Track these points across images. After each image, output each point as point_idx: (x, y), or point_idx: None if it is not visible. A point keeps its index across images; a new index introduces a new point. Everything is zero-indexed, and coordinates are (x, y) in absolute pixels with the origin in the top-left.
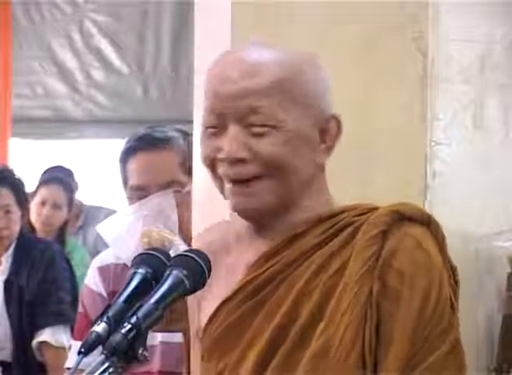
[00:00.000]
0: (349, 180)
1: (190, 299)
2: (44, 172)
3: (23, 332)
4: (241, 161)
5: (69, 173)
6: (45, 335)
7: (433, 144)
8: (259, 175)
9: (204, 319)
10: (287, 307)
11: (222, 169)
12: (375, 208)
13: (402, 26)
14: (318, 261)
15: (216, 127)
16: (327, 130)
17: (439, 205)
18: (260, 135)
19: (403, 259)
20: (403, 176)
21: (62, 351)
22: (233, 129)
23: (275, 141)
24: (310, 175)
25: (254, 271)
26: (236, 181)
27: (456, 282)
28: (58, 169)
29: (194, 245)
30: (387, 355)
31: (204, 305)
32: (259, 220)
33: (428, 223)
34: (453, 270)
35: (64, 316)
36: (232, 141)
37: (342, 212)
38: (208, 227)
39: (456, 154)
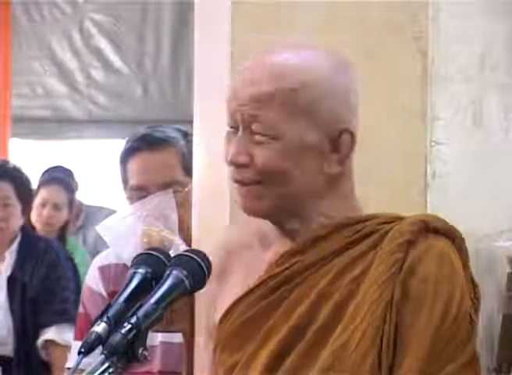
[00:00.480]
0: None
1: (207, 296)
2: (44, 172)
3: (25, 328)
4: (243, 166)
5: (68, 173)
6: (51, 333)
7: (433, 144)
8: (258, 181)
9: (219, 313)
10: (305, 307)
11: (230, 170)
12: (400, 218)
13: (402, 26)
14: (340, 264)
15: (233, 129)
16: (339, 142)
17: (439, 206)
18: (260, 143)
19: (427, 268)
20: (403, 176)
21: (68, 349)
22: (240, 134)
23: (271, 150)
24: (319, 183)
25: (273, 269)
26: (240, 183)
27: (478, 299)
28: (58, 169)
29: (217, 241)
30: (403, 362)
31: (219, 303)
32: (273, 221)
33: (453, 237)
34: (474, 287)
35: (68, 314)
36: (236, 146)
37: (366, 219)
38: (229, 226)
39: (456, 154)
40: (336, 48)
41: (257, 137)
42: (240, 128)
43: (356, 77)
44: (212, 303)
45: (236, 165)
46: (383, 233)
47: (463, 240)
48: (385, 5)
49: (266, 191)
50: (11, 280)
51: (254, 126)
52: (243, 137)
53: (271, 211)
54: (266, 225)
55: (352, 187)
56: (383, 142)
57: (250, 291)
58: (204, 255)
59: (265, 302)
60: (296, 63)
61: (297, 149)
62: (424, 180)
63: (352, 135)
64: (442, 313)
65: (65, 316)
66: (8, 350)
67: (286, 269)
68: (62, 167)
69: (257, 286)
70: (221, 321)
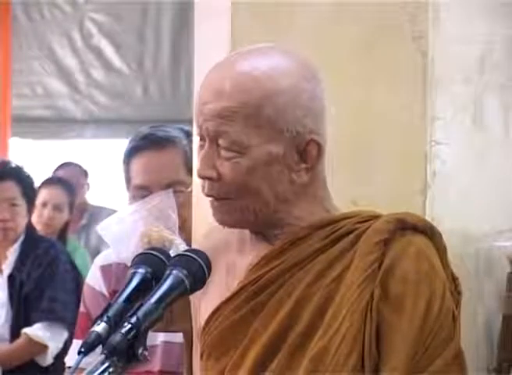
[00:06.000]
0: (349, 180)
1: (193, 299)
2: (57, 168)
3: (19, 326)
4: (210, 179)
5: (80, 171)
6: (30, 328)
7: (433, 143)
8: (227, 196)
9: (202, 319)
10: (287, 310)
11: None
12: (377, 216)
13: (402, 26)
14: (318, 266)
15: (202, 140)
16: (306, 152)
17: (439, 205)
18: (226, 158)
19: (406, 267)
20: (403, 176)
21: (35, 345)
22: (207, 147)
23: (238, 167)
24: (289, 192)
25: (254, 273)
26: (210, 196)
27: (459, 293)
28: (70, 166)
29: (198, 244)
30: (388, 362)
31: (203, 305)
32: (250, 230)
33: (430, 233)
34: (454, 281)
35: (55, 313)
36: (203, 159)
37: (343, 218)
38: (212, 227)
39: (456, 154)
40: (336, 48)
41: (224, 152)
42: (207, 142)
43: (323, 84)
44: (199, 303)
45: (204, 178)
46: (360, 232)
47: (440, 236)
48: (385, 6)
49: (236, 205)
50: (11, 279)
51: (220, 142)
52: (209, 151)
53: (243, 224)
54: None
55: (325, 190)
56: (383, 142)
57: (233, 296)
58: (204, 254)
59: (248, 306)
60: (259, 75)
61: (265, 162)
62: (425, 180)
63: (319, 145)
64: (424, 312)
65: (51, 314)
66: None
67: (267, 272)
68: (73, 164)
69: (240, 290)
70: (204, 327)
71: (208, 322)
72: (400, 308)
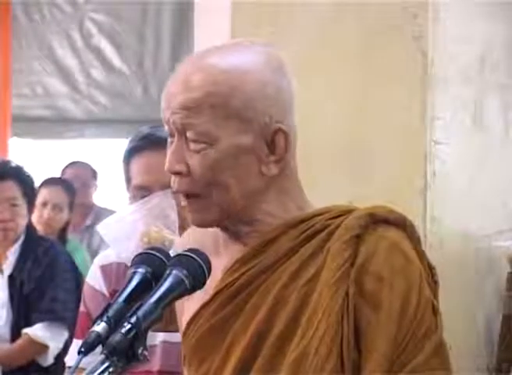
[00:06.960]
0: (349, 180)
1: (176, 303)
2: (66, 166)
3: (20, 327)
4: (178, 174)
5: (90, 171)
6: (31, 329)
7: (433, 143)
8: (196, 193)
9: (185, 323)
10: (264, 314)
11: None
12: (349, 211)
13: (402, 26)
14: (292, 267)
15: (171, 136)
16: (274, 142)
17: (439, 205)
18: (195, 151)
19: (380, 263)
20: (403, 176)
21: (36, 345)
22: (176, 141)
23: (207, 159)
24: (259, 186)
25: (229, 276)
26: (179, 193)
27: (436, 282)
28: (80, 164)
29: (176, 247)
30: (369, 362)
31: (185, 308)
32: (221, 228)
33: (403, 225)
34: (431, 270)
35: (55, 313)
36: (171, 154)
37: (315, 215)
38: (188, 230)
39: (456, 154)
40: (336, 48)
41: (193, 145)
42: (176, 136)
43: (291, 75)
44: (182, 305)
45: (172, 173)
46: (332, 230)
47: (413, 226)
48: (385, 5)
49: (206, 203)
50: (11, 279)
51: (188, 134)
52: (179, 145)
53: (215, 222)
54: (218, 230)
55: (297, 184)
56: (383, 142)
57: (210, 300)
58: (204, 254)
59: (225, 311)
60: (225, 67)
61: (234, 154)
62: (424, 180)
63: (286, 134)
64: (402, 307)
65: (52, 314)
66: None
67: (241, 275)
68: (83, 163)
69: (216, 294)
70: (185, 331)
71: (188, 326)
72: (376, 305)
